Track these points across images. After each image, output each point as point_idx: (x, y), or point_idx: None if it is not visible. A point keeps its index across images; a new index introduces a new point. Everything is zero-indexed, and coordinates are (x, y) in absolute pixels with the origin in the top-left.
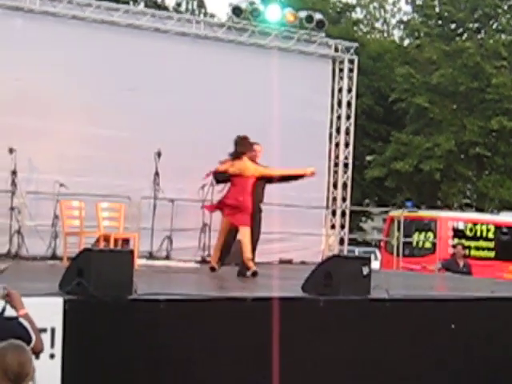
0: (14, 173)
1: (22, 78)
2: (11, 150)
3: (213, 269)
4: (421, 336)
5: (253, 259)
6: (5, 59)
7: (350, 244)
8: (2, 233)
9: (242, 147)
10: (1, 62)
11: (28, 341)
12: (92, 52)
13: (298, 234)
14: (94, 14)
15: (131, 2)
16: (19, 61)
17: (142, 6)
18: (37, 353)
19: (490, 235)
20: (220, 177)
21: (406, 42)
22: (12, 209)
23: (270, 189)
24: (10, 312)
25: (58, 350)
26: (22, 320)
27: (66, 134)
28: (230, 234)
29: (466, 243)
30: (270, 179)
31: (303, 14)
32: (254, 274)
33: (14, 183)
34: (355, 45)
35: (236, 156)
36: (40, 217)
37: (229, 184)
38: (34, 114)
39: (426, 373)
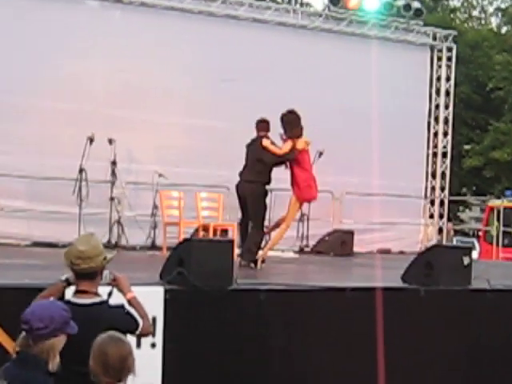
0: (113, 163)
1: (124, 70)
2: (111, 141)
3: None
4: None
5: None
6: (107, 51)
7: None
8: (102, 223)
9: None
10: (103, 54)
11: (135, 328)
12: (190, 42)
13: (397, 224)
14: (192, 5)
15: None
16: (121, 53)
17: None
18: (145, 335)
19: None
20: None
21: (504, 30)
22: (112, 199)
23: (369, 179)
24: (117, 299)
25: (159, 339)
26: (127, 307)
27: (166, 125)
28: None
29: None
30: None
31: (401, 2)
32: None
33: (113, 173)
34: (453, 33)
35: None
36: (139, 207)
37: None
38: (135, 105)
39: None
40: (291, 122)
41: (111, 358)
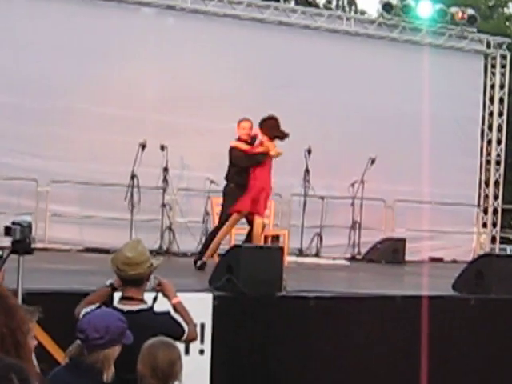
0: (165, 170)
1: (177, 76)
2: (163, 147)
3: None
4: None
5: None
6: (159, 58)
7: (501, 242)
8: (153, 229)
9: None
10: (156, 60)
11: (181, 334)
12: (243, 50)
13: (450, 233)
14: (245, 12)
15: (282, 0)
16: (172, 59)
17: (292, 3)
18: (191, 341)
19: None
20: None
21: None
22: (163, 205)
23: (422, 187)
24: (162, 304)
25: (207, 345)
26: (173, 314)
27: (218, 131)
28: None
29: None
30: None
31: (455, 9)
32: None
33: (165, 180)
34: (508, 40)
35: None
36: (191, 213)
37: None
38: (186, 112)
39: None
40: (272, 125)
41: (160, 361)
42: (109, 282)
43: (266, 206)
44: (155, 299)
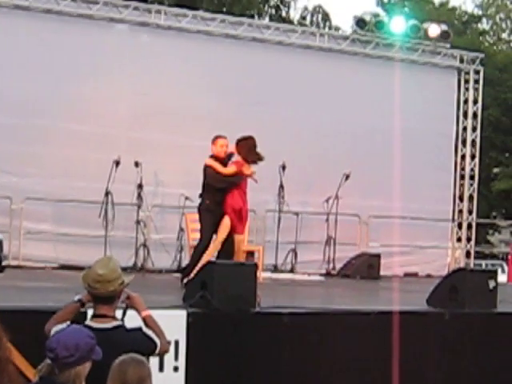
0: (140, 186)
1: (151, 93)
2: (137, 164)
3: None
4: None
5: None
6: (133, 74)
7: (476, 257)
8: (127, 246)
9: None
10: (129, 77)
11: (153, 349)
12: (217, 66)
13: (424, 248)
14: (218, 28)
15: (256, 16)
16: (146, 76)
17: (266, 19)
18: (162, 354)
19: None
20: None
21: None
22: (138, 222)
23: (396, 202)
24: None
25: (181, 362)
26: (145, 330)
27: (192, 148)
28: None
29: None
30: None
31: (427, 25)
32: None
33: (139, 197)
34: (481, 55)
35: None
36: (165, 230)
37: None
38: (160, 128)
39: None
40: (249, 147)
41: (130, 377)
42: (77, 297)
43: (245, 223)
44: (124, 313)
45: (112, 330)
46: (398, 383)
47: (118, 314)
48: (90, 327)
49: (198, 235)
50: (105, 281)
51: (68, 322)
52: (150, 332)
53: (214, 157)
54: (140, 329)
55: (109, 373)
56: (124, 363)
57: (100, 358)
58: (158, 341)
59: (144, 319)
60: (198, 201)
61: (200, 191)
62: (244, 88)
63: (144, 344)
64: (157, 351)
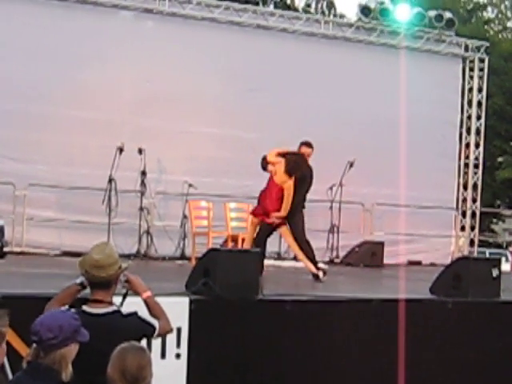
0: (143, 173)
1: (152, 80)
2: (141, 151)
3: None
4: None
5: None
6: (137, 61)
7: (480, 246)
8: (131, 233)
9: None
10: (133, 63)
11: (152, 332)
12: (220, 52)
13: (428, 236)
14: (222, 16)
15: (261, 3)
16: (150, 62)
17: (271, 7)
18: (165, 334)
19: None
20: None
21: None
22: (141, 209)
23: (400, 190)
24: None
25: (183, 349)
26: (140, 314)
27: (195, 135)
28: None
29: None
30: None
31: (432, 13)
32: None
33: (143, 184)
34: (486, 44)
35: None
36: (169, 217)
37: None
38: (163, 115)
39: None
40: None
41: (129, 364)
42: (79, 280)
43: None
44: (125, 296)
45: (107, 316)
46: (402, 371)
47: (118, 300)
48: (85, 312)
49: (201, 222)
50: (101, 266)
51: (67, 307)
52: (146, 316)
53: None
54: (135, 313)
55: (105, 358)
56: (123, 351)
57: (86, 339)
58: (156, 323)
59: (145, 300)
60: (201, 187)
61: (202, 178)
62: (248, 75)
63: (141, 327)
64: (156, 333)
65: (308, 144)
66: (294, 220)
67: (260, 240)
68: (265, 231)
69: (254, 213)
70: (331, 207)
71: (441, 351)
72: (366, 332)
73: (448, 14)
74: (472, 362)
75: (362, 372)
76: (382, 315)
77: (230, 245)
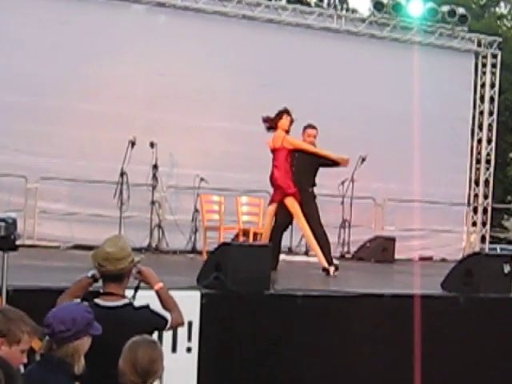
0: (155, 167)
1: (165, 74)
2: (152, 144)
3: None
4: None
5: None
6: (149, 55)
7: (491, 242)
8: (142, 227)
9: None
10: (145, 57)
11: (164, 325)
12: (233, 47)
13: (439, 232)
14: (235, 10)
15: None
16: (162, 56)
17: (283, 1)
18: (177, 327)
19: None
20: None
21: None
22: (153, 203)
23: (412, 186)
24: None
25: (194, 343)
26: (152, 307)
27: (207, 129)
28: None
29: None
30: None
31: (445, 8)
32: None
33: (155, 177)
34: (498, 39)
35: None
36: (180, 211)
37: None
38: (176, 109)
39: None
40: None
41: (141, 358)
42: (90, 273)
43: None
44: (137, 288)
45: (119, 308)
46: (418, 367)
47: (130, 293)
48: (97, 305)
49: (212, 216)
50: (113, 259)
51: (79, 300)
52: (158, 308)
53: None
54: (147, 306)
55: (117, 351)
56: (135, 344)
57: (99, 333)
58: (168, 316)
59: (157, 292)
60: (212, 182)
61: (213, 172)
62: (260, 69)
63: (152, 320)
64: (168, 325)
65: (312, 126)
66: (308, 210)
67: (276, 235)
68: (280, 226)
69: (272, 200)
70: (342, 202)
71: (452, 347)
72: (377, 327)
73: (461, 10)
74: (483, 357)
75: (374, 367)
76: (393, 310)
77: (242, 239)
